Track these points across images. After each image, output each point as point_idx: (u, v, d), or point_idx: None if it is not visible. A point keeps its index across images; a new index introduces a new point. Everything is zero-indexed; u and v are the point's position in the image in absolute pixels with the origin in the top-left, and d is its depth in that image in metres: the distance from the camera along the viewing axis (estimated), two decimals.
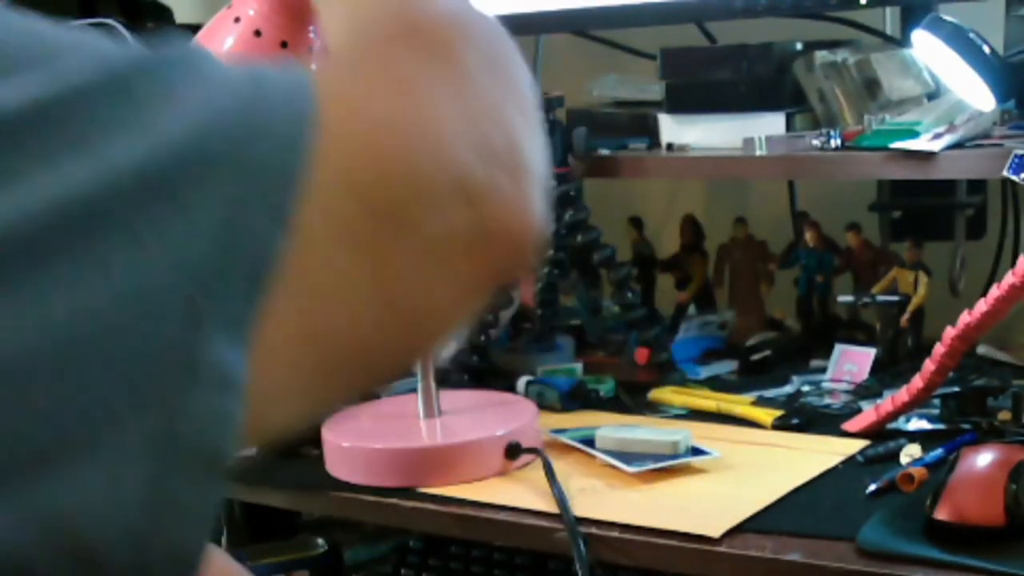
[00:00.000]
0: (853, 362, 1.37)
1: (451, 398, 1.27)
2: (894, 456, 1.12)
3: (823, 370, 1.39)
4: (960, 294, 1.44)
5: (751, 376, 1.43)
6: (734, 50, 1.40)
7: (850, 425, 1.21)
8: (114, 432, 0.39)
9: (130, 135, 0.41)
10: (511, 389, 1.37)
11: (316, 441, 1.23)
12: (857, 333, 1.47)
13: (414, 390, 1.24)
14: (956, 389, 1.20)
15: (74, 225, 0.39)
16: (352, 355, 0.46)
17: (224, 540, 1.45)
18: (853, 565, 0.92)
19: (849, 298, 1.46)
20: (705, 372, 1.45)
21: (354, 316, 0.45)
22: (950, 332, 1.12)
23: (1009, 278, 1.06)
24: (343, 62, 0.51)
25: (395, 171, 0.45)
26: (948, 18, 1.23)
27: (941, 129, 1.23)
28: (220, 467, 0.41)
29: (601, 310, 1.54)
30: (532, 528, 1.07)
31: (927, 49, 1.25)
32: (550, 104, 1.41)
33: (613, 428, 1.20)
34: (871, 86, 1.34)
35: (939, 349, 1.13)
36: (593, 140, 1.42)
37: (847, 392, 1.33)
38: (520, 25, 1.55)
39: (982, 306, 1.09)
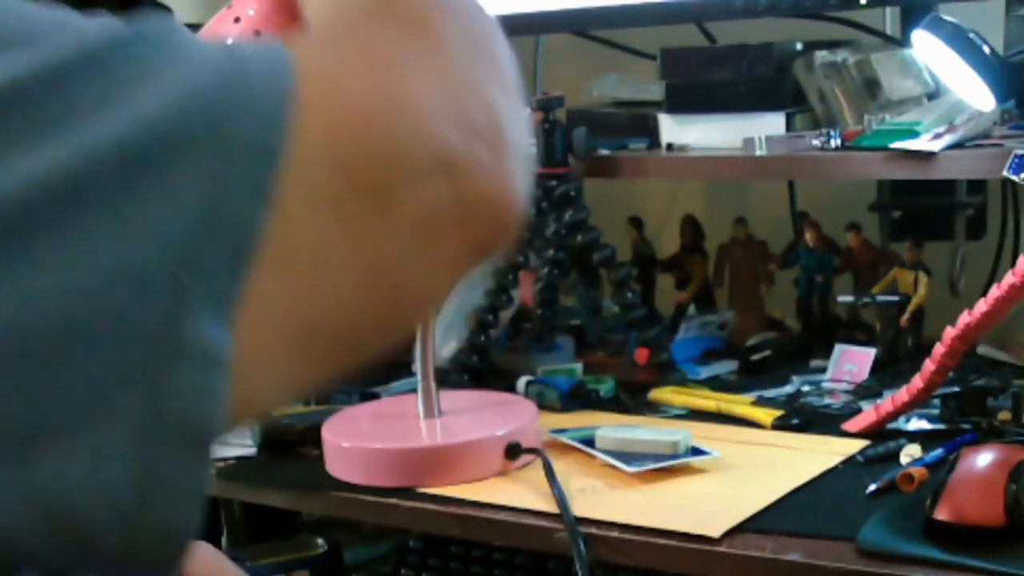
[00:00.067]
0: (853, 362, 1.37)
1: (451, 398, 1.27)
2: (894, 456, 1.12)
3: (823, 370, 1.39)
4: (960, 294, 1.44)
5: (751, 376, 1.43)
6: (734, 50, 1.40)
7: (850, 425, 1.21)
8: (100, 410, 0.40)
9: (109, 112, 0.41)
10: (511, 389, 1.37)
11: (316, 441, 1.23)
12: (857, 333, 1.47)
13: (414, 390, 1.24)
14: (956, 389, 1.20)
15: (55, 203, 0.40)
16: (336, 330, 0.46)
17: (224, 540, 1.45)
18: (853, 565, 0.92)
19: (849, 298, 1.46)
20: (705, 372, 1.45)
21: (337, 291, 0.45)
22: (950, 332, 1.12)
23: (1009, 278, 1.06)
24: (323, 37, 0.51)
25: (375, 146, 0.45)
26: (948, 18, 1.23)
27: (941, 129, 1.23)
28: (207, 444, 0.41)
29: (601, 310, 1.54)
30: (532, 528, 1.07)
31: (927, 49, 1.25)
32: (550, 104, 1.41)
33: (613, 428, 1.20)
34: (871, 86, 1.34)
35: (939, 349, 1.13)
36: (593, 140, 1.42)
37: (847, 392, 1.33)
38: (520, 25, 1.56)
39: (982, 306, 1.09)
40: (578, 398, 1.35)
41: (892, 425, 1.19)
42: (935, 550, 0.91)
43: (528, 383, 1.38)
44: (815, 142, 1.30)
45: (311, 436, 1.24)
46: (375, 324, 0.48)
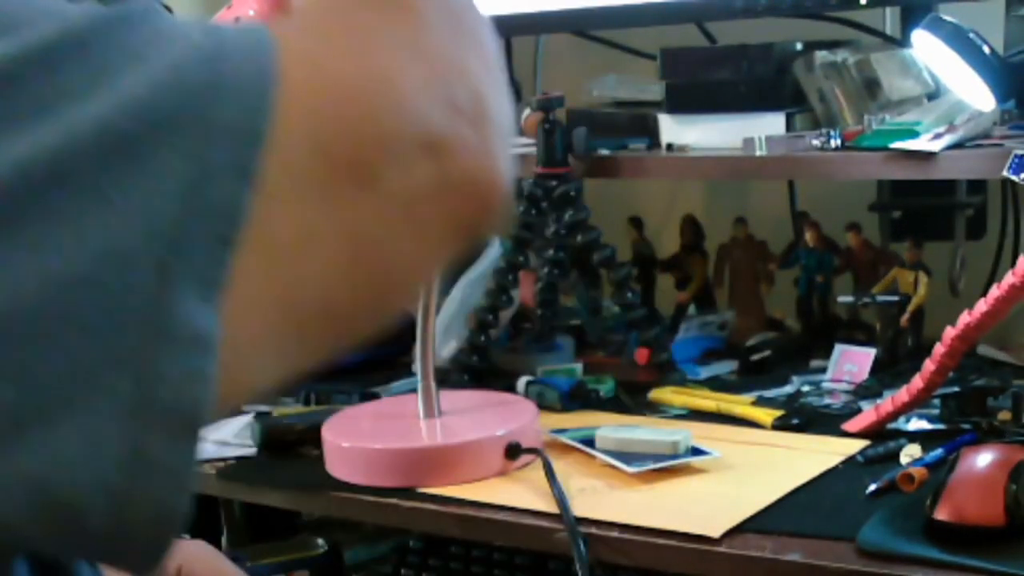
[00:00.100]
0: (853, 362, 1.37)
1: (451, 398, 1.27)
2: (894, 456, 1.12)
3: (823, 370, 1.39)
4: (960, 294, 1.44)
5: (751, 376, 1.43)
6: (734, 50, 1.40)
7: (850, 425, 1.21)
8: (89, 393, 0.40)
9: (93, 95, 0.41)
10: (511, 389, 1.37)
11: (316, 441, 1.23)
12: (857, 333, 1.47)
13: (414, 390, 1.24)
14: (956, 389, 1.20)
15: (40, 187, 0.40)
16: (323, 311, 0.46)
17: (224, 540, 1.45)
18: (853, 565, 0.92)
19: (849, 298, 1.46)
20: (705, 372, 1.45)
21: (322, 272, 0.45)
22: (950, 332, 1.12)
23: (1009, 278, 1.06)
24: (305, 19, 0.51)
25: (358, 127, 0.45)
26: (948, 18, 1.23)
27: (941, 129, 1.23)
28: (196, 426, 0.41)
29: (601, 310, 1.54)
30: (532, 528, 1.07)
31: (927, 49, 1.25)
32: (550, 104, 1.41)
33: (613, 428, 1.20)
34: (871, 86, 1.34)
35: (939, 349, 1.13)
36: (593, 140, 1.42)
37: (847, 392, 1.33)
38: (520, 25, 1.56)
39: (982, 306, 1.09)
40: (578, 398, 1.35)
41: (892, 425, 1.19)
42: (935, 550, 0.91)
43: (528, 383, 1.38)
44: (815, 142, 1.30)
45: (311, 436, 1.24)
46: (362, 305, 0.48)
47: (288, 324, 0.45)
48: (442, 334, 1.44)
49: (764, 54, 1.38)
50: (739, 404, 1.31)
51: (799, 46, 1.38)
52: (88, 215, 0.40)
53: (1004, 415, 1.17)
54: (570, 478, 1.12)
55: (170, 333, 0.41)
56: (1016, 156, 1.13)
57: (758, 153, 1.32)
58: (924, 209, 1.50)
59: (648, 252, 1.66)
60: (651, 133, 1.44)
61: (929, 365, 1.14)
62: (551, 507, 1.07)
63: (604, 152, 1.43)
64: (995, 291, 1.08)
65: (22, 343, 0.39)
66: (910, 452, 1.12)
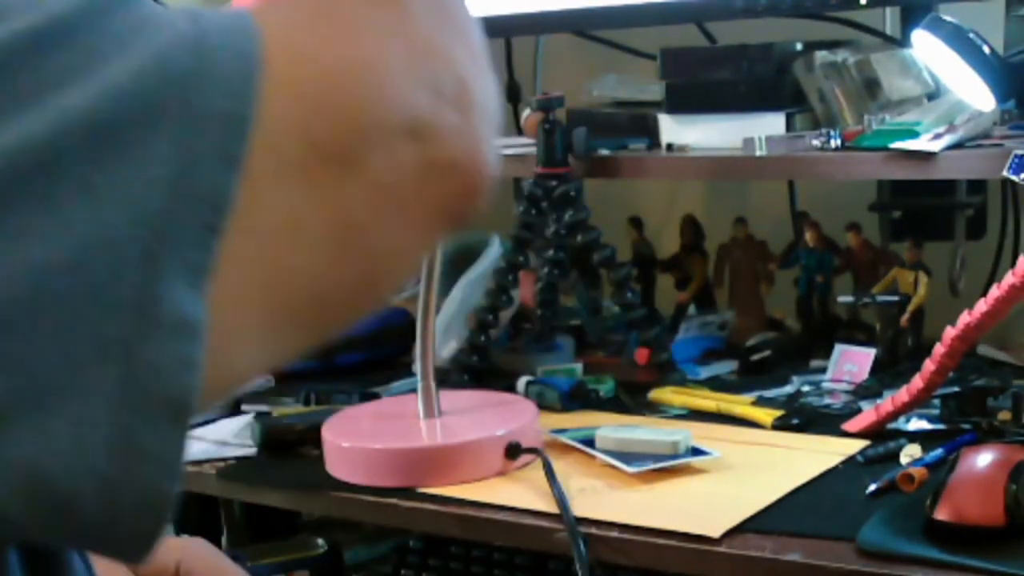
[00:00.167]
0: (853, 362, 1.37)
1: (451, 398, 1.27)
2: (894, 456, 1.12)
3: (823, 370, 1.39)
4: (960, 294, 1.44)
5: (751, 376, 1.43)
6: (734, 50, 1.40)
7: (850, 425, 1.21)
8: (77, 380, 0.40)
9: (78, 82, 0.41)
10: (511, 389, 1.37)
11: (316, 441, 1.23)
12: (857, 333, 1.47)
13: (414, 390, 1.24)
14: (956, 389, 1.20)
15: (26, 174, 0.40)
16: (309, 298, 0.46)
17: (224, 540, 1.45)
18: (853, 565, 0.92)
19: (849, 298, 1.46)
20: (705, 372, 1.45)
21: (308, 258, 0.45)
22: (950, 332, 1.12)
23: (1009, 278, 1.06)
24: (288, 5, 0.51)
25: (342, 112, 0.45)
26: (948, 18, 1.23)
27: (941, 129, 1.23)
28: (184, 413, 0.41)
29: (601, 310, 1.54)
30: (532, 528, 1.07)
31: (927, 49, 1.25)
32: (550, 104, 1.41)
33: (613, 428, 1.20)
34: (871, 86, 1.34)
35: (939, 349, 1.13)
36: (593, 140, 1.42)
37: (847, 392, 1.33)
38: (520, 25, 1.56)
39: (982, 306, 1.09)
40: (578, 398, 1.35)
41: (892, 425, 1.19)
42: (935, 550, 0.91)
43: (528, 383, 1.38)
44: (815, 142, 1.30)
45: (311, 436, 1.24)
46: (348, 291, 0.48)
47: (275, 310, 0.45)
48: (442, 334, 1.44)
49: (764, 54, 1.38)
50: (739, 404, 1.31)
51: (799, 46, 1.38)
52: (74, 203, 0.40)
53: (1004, 415, 1.17)
54: (570, 478, 1.12)
55: (157, 320, 0.41)
56: (1016, 156, 1.14)
57: (758, 153, 1.32)
58: (924, 209, 1.50)
59: (648, 252, 1.66)
60: (651, 133, 1.44)
61: (929, 365, 1.14)
62: (551, 507, 1.07)
63: (604, 152, 1.43)
64: (995, 291, 1.08)
65: (8, 331, 0.39)
66: (910, 452, 1.12)
